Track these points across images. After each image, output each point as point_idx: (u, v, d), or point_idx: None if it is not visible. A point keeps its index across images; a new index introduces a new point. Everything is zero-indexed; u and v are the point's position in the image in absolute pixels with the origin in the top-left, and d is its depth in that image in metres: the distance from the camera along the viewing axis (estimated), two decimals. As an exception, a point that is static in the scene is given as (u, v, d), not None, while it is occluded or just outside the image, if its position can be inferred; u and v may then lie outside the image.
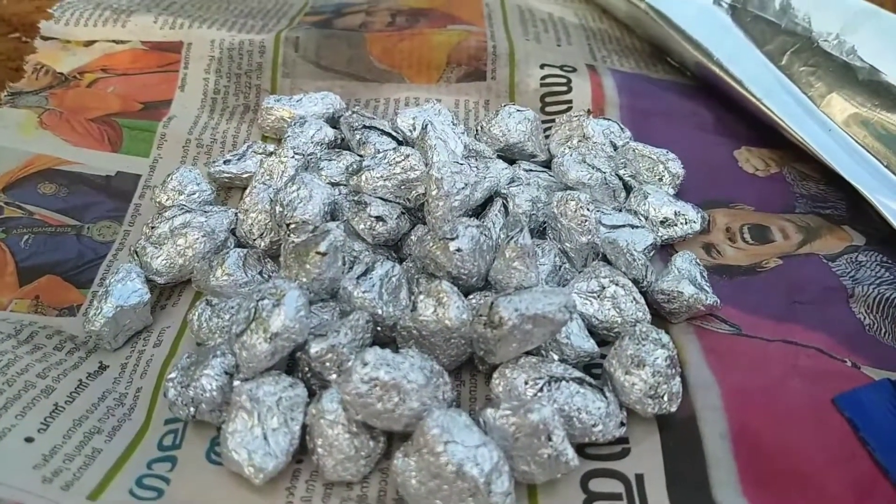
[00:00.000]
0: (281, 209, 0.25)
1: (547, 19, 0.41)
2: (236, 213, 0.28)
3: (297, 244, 0.23)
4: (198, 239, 0.26)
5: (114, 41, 0.36)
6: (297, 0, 0.43)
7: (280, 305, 0.21)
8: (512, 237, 0.23)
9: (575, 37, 0.40)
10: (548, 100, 0.35)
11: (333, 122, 0.32)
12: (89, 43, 0.36)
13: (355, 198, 0.26)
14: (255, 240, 0.26)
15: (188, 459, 0.20)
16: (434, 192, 0.24)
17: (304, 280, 0.23)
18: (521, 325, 0.20)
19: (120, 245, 0.28)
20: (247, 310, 0.21)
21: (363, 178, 0.26)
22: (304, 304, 0.21)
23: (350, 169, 0.28)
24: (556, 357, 0.22)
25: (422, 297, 0.22)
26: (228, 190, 0.31)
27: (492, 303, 0.20)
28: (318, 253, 0.23)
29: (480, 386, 0.23)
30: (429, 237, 0.24)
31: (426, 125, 0.28)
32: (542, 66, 0.36)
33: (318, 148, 0.30)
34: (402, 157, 0.26)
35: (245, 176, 0.30)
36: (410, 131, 0.31)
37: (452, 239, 0.23)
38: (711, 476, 0.20)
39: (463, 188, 0.25)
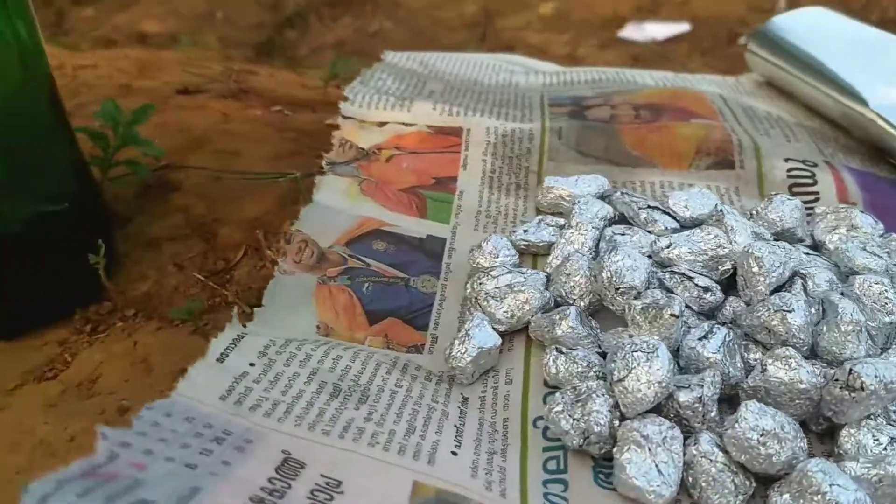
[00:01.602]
0: (609, 276, 0.29)
1: (767, 117, 0.45)
2: (548, 275, 0.32)
3: (646, 307, 0.27)
4: (533, 295, 0.30)
5: (402, 123, 0.43)
6: (533, 93, 0.49)
7: (656, 358, 0.24)
8: (846, 313, 0.26)
9: (799, 134, 0.44)
10: (795, 190, 0.38)
11: (602, 199, 0.37)
12: (382, 124, 0.43)
13: (679, 270, 0.30)
14: (575, 300, 0.31)
15: (578, 482, 0.24)
16: (755, 269, 0.28)
17: (656, 338, 0.27)
18: (877, 390, 0.23)
19: (442, 296, 0.33)
20: (623, 359, 0.25)
21: (674, 252, 0.31)
22: (671, 359, 0.25)
23: (655, 244, 0.32)
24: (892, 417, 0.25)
25: (770, 360, 0.25)
26: (521, 255, 0.35)
27: (850, 369, 0.24)
28: (672, 315, 0.26)
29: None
30: (762, 308, 0.27)
31: (720, 208, 0.32)
32: (786, 160, 0.40)
33: (603, 223, 0.34)
34: (711, 236, 0.30)
35: (541, 244, 0.35)
36: (683, 211, 0.35)
37: (789, 311, 0.26)
38: None
39: (778, 267, 0.28)
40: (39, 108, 0.32)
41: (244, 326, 0.29)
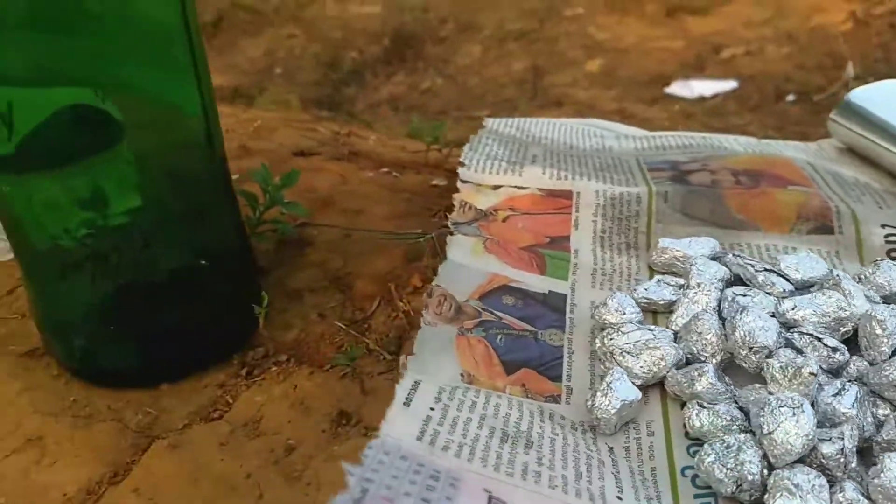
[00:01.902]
0: (742, 335, 0.32)
1: (856, 184, 0.48)
2: (675, 333, 0.35)
3: (784, 365, 0.29)
4: (668, 352, 0.33)
5: (515, 187, 0.46)
6: (628, 157, 0.52)
7: (802, 413, 0.27)
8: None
9: (889, 201, 0.46)
10: (893, 255, 0.40)
11: (714, 261, 0.40)
12: (496, 187, 0.46)
13: (807, 331, 0.32)
14: (706, 357, 0.33)
15: (733, 527, 0.26)
16: (878, 331, 0.31)
17: (796, 395, 0.29)
18: None
19: (570, 349, 0.36)
20: (770, 414, 0.27)
21: (799, 314, 0.33)
22: (813, 413, 0.27)
23: (780, 306, 0.34)
24: None
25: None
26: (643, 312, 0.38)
27: None
28: (810, 373, 0.29)
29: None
30: (889, 368, 0.29)
31: (837, 273, 0.34)
32: (882, 226, 0.42)
33: (721, 283, 0.37)
34: (833, 299, 0.33)
35: (662, 302, 0.37)
36: (795, 274, 0.37)
37: (921, 371, 0.28)
38: None
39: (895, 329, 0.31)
40: (218, 170, 0.36)
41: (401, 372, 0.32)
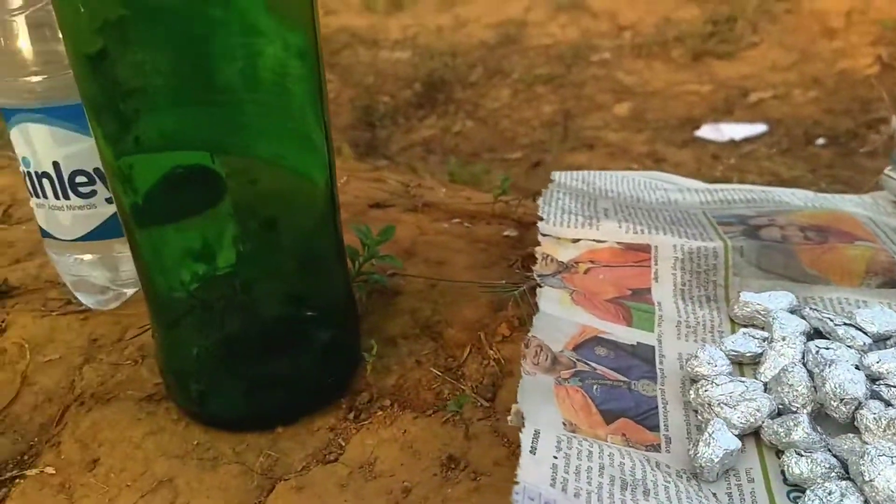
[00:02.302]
0: (832, 387, 0.34)
1: (918, 238, 0.50)
2: (764, 384, 0.37)
3: (878, 417, 0.31)
4: (764, 403, 0.35)
5: (594, 240, 0.49)
6: (695, 210, 0.54)
7: (904, 463, 0.28)
8: None
9: (954, 255, 0.48)
10: (965, 309, 0.42)
11: (792, 314, 0.42)
12: (575, 240, 0.49)
13: (893, 383, 0.34)
14: (798, 408, 0.35)
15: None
16: (970, 386, 0.32)
17: (892, 444, 0.31)
18: None
19: (663, 399, 0.38)
20: (870, 463, 0.29)
21: (884, 367, 0.35)
22: (915, 463, 0.29)
23: (865, 359, 0.36)
24: None
25: None
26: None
27: None
28: (908, 426, 0.30)
29: None
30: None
31: (920, 330, 0.36)
32: (950, 282, 0.44)
33: (803, 336, 0.39)
34: (919, 354, 0.34)
35: (748, 354, 0.39)
36: (870, 327, 0.39)
37: None
38: None
39: None
40: (335, 229, 0.39)
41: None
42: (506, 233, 0.57)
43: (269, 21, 0.33)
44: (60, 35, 0.34)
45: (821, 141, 1.84)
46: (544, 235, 0.49)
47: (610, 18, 2.96)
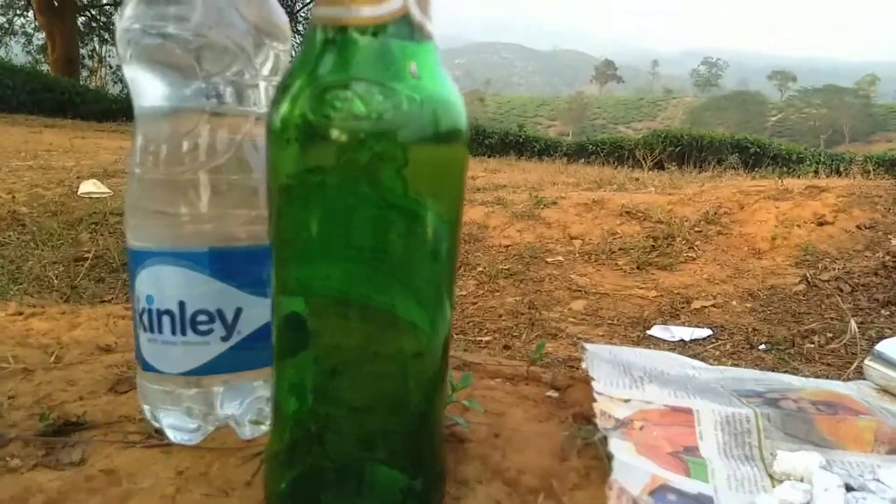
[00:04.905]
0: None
1: (906, 416, 0.59)
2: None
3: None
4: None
5: (643, 401, 0.55)
6: (714, 384, 0.62)
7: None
8: None
9: (938, 431, 0.56)
10: (963, 475, 0.50)
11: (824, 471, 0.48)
12: (627, 400, 0.55)
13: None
14: (855, 547, 0.40)
15: None
16: None
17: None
18: None
19: (734, 541, 0.42)
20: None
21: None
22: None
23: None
24: None
25: None
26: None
27: None
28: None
29: None
30: None
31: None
32: (947, 450, 0.52)
33: (841, 489, 0.45)
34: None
35: (797, 503, 0.45)
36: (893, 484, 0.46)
37: None
38: None
39: None
40: (438, 380, 0.44)
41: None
42: (548, 393, 0.63)
43: (419, 197, 0.40)
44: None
45: (763, 346, 2.01)
46: (599, 394, 0.55)
47: (561, 228, 3.26)
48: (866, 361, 0.68)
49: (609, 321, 2.26)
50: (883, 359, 0.66)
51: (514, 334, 2.05)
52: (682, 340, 2.07)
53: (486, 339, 2.03)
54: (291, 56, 0.50)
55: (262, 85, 0.52)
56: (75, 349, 0.72)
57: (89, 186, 3.97)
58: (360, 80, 0.36)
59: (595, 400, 0.55)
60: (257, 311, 0.50)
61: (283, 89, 0.38)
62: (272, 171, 0.39)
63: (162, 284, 0.50)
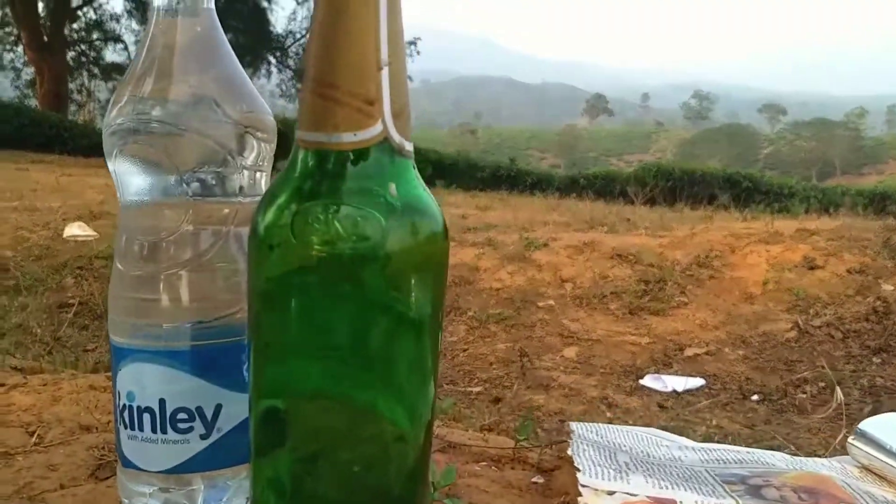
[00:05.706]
0: None
1: (885, 502, 0.58)
2: None
3: None
4: None
5: (627, 493, 0.55)
6: (698, 468, 0.62)
7: None
8: None
9: (923, 520, 0.56)
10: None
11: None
12: (611, 492, 0.55)
13: None
14: None
15: None
16: None
17: None
18: None
19: None
20: None
21: None
22: None
23: None
24: None
25: None
26: None
27: None
28: None
29: None
30: None
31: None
32: (930, 545, 0.52)
33: None
34: None
35: None
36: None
37: None
38: None
39: None
40: (421, 476, 0.44)
41: None
42: (533, 479, 0.63)
43: (398, 296, 0.41)
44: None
45: (755, 398, 2.01)
46: (584, 486, 0.55)
47: (553, 271, 3.27)
48: (850, 440, 0.68)
49: (601, 369, 2.26)
50: (866, 437, 0.66)
51: (506, 384, 2.04)
52: (674, 391, 2.07)
53: (477, 389, 2.02)
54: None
55: (246, 174, 0.53)
56: (56, 428, 0.72)
57: (75, 229, 3.96)
58: (341, 202, 0.37)
59: (580, 493, 0.54)
60: (237, 407, 0.50)
61: (270, 198, 0.39)
62: (253, 272, 0.40)
63: (143, 382, 0.50)
